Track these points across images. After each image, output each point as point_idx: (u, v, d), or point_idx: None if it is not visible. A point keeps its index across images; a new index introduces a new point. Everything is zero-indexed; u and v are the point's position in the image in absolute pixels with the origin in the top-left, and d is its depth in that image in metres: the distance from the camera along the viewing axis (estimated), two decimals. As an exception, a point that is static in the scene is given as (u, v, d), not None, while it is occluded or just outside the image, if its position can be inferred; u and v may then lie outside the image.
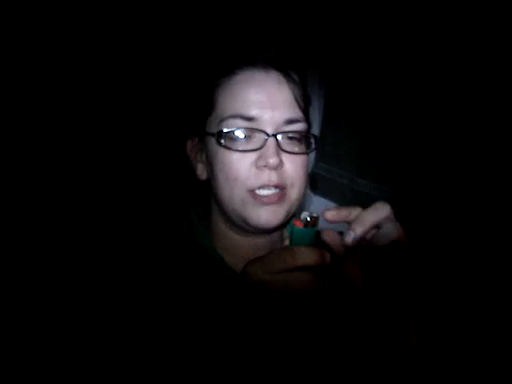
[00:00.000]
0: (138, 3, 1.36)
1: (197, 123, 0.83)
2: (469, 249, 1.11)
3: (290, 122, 0.78)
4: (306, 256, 0.59)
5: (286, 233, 0.93)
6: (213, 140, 0.78)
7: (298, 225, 0.63)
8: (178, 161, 0.94)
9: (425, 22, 1.21)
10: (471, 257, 1.10)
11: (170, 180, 1.35)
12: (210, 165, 0.81)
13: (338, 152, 1.56)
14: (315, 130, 1.75)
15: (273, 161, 0.74)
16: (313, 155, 1.78)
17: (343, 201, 1.51)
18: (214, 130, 0.78)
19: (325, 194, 1.59)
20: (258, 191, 0.77)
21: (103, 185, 1.34)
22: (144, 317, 0.72)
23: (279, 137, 0.77)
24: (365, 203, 1.57)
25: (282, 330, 0.76)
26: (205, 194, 0.88)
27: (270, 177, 0.76)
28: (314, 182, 1.65)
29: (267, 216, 0.77)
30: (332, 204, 1.57)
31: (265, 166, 0.75)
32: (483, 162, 1.12)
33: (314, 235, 0.63)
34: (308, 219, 0.63)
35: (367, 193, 1.43)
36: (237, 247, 0.86)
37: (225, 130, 0.76)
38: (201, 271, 0.80)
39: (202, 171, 0.86)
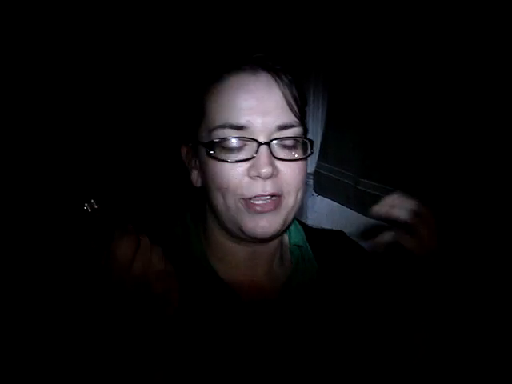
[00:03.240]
0: (123, 14, 1.35)
1: (189, 130, 0.81)
2: (473, 250, 1.11)
3: (284, 127, 0.74)
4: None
5: (286, 238, 0.91)
6: (204, 149, 0.76)
7: None
8: (175, 165, 0.92)
9: (427, 25, 1.20)
10: (476, 259, 1.10)
11: (166, 184, 1.35)
12: (203, 173, 0.79)
13: (341, 152, 1.56)
14: (315, 132, 1.75)
15: (265, 171, 0.71)
16: (314, 156, 1.78)
17: (346, 201, 1.51)
18: (205, 139, 0.76)
19: (328, 194, 1.59)
20: (252, 200, 0.74)
21: (97, 188, 1.34)
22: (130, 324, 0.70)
23: (272, 144, 0.73)
24: (368, 204, 1.57)
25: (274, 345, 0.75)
26: (201, 200, 0.87)
27: (264, 187, 0.73)
28: (317, 182, 1.65)
29: (263, 225, 0.74)
30: (335, 204, 1.57)
31: (258, 176, 0.72)
32: (487, 163, 1.11)
33: None
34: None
35: (371, 193, 1.43)
36: (233, 255, 0.83)
37: (214, 141, 0.73)
38: (192, 282, 0.77)
39: (196, 178, 0.83)
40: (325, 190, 1.60)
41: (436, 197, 1.23)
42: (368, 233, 1.41)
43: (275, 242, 0.85)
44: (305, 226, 0.95)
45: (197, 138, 0.79)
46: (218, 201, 0.76)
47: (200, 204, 0.87)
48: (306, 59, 1.71)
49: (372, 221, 1.43)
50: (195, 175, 0.83)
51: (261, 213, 0.74)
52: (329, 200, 1.59)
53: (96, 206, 0.61)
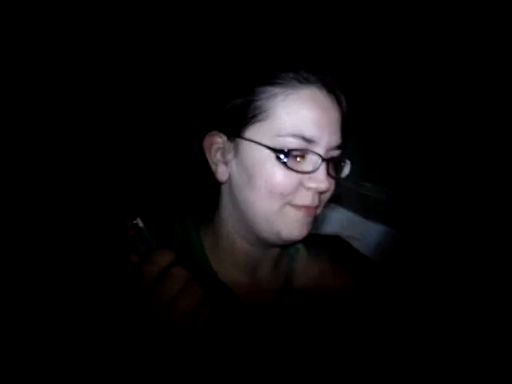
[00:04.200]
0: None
1: (236, 123, 0.79)
2: (472, 250, 1.11)
3: (338, 147, 0.79)
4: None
5: None
6: (261, 149, 0.75)
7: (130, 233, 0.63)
8: (174, 159, 0.89)
9: (428, 28, 1.21)
10: (474, 258, 1.10)
11: (163, 186, 1.33)
12: (246, 171, 0.77)
13: (341, 154, 1.56)
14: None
15: (324, 186, 0.75)
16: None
17: (347, 203, 1.51)
18: (268, 142, 0.75)
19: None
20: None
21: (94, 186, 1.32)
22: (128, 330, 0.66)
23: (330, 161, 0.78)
24: (369, 206, 1.58)
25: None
26: (210, 197, 0.86)
27: (314, 199, 0.77)
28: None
29: (300, 228, 0.78)
30: (336, 206, 1.57)
31: (313, 189, 0.76)
32: (488, 165, 1.12)
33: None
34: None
35: (371, 196, 1.43)
36: (241, 257, 0.83)
37: (286, 149, 0.74)
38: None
39: (224, 173, 0.81)
40: (325, 193, 1.60)
41: (437, 198, 1.23)
42: (368, 235, 1.41)
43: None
44: None
45: (240, 134, 0.78)
46: (262, 203, 0.76)
47: (209, 201, 0.86)
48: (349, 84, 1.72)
49: (372, 223, 1.44)
50: (223, 169, 0.81)
51: (304, 213, 0.77)
52: (329, 202, 1.59)
53: (141, 225, 0.63)
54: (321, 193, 0.78)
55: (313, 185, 0.75)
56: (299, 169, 0.75)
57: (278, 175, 0.75)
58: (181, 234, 0.85)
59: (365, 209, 1.44)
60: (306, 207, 0.77)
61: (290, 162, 0.75)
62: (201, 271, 0.78)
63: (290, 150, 0.74)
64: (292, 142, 0.75)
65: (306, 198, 0.76)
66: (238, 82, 0.81)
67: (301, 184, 0.76)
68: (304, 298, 0.84)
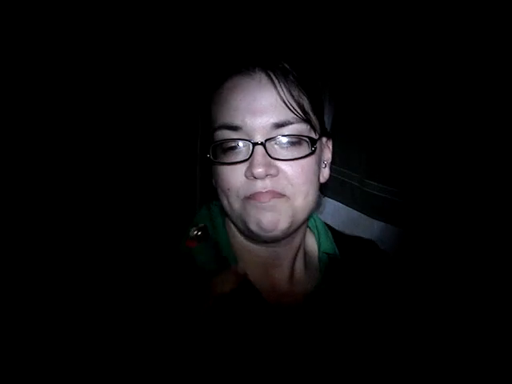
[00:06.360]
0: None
1: (206, 133, 0.81)
2: (476, 249, 1.11)
3: (280, 125, 0.72)
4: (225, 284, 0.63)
5: (311, 243, 0.90)
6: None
7: (191, 245, 0.64)
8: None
9: (431, 30, 1.21)
10: (478, 257, 1.10)
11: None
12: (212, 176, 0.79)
13: (347, 153, 1.57)
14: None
15: (259, 171, 0.69)
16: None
17: (352, 202, 1.51)
18: (207, 142, 0.76)
19: (334, 195, 1.60)
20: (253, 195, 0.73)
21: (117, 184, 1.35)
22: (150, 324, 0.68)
23: (270, 143, 0.71)
24: (374, 205, 1.57)
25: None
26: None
27: (264, 184, 0.72)
28: (323, 183, 1.65)
29: (267, 219, 0.72)
30: (340, 205, 1.57)
31: (254, 177, 0.71)
32: (492, 164, 1.12)
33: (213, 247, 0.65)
34: (196, 233, 0.64)
35: (376, 194, 1.43)
36: (254, 256, 0.82)
37: (212, 143, 0.73)
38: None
39: (215, 184, 0.82)
40: (330, 191, 1.60)
41: (442, 197, 1.23)
42: (373, 233, 1.42)
43: (295, 244, 0.83)
44: (333, 231, 0.93)
45: (210, 143, 0.78)
46: (224, 202, 0.77)
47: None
48: (296, 56, 1.72)
49: (377, 222, 1.45)
50: (214, 181, 0.82)
51: (259, 201, 0.72)
52: (334, 201, 1.60)
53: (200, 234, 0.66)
54: (263, 178, 0.71)
55: (249, 173, 0.71)
56: (234, 160, 0.72)
57: (218, 172, 0.74)
58: (208, 220, 0.84)
59: (370, 207, 1.44)
60: (258, 193, 0.72)
61: (223, 155, 0.72)
62: (227, 266, 0.78)
63: (217, 144, 0.72)
64: (219, 134, 0.73)
65: (254, 186, 0.72)
66: (198, 96, 0.84)
67: (244, 175, 0.72)
68: (334, 302, 0.81)
